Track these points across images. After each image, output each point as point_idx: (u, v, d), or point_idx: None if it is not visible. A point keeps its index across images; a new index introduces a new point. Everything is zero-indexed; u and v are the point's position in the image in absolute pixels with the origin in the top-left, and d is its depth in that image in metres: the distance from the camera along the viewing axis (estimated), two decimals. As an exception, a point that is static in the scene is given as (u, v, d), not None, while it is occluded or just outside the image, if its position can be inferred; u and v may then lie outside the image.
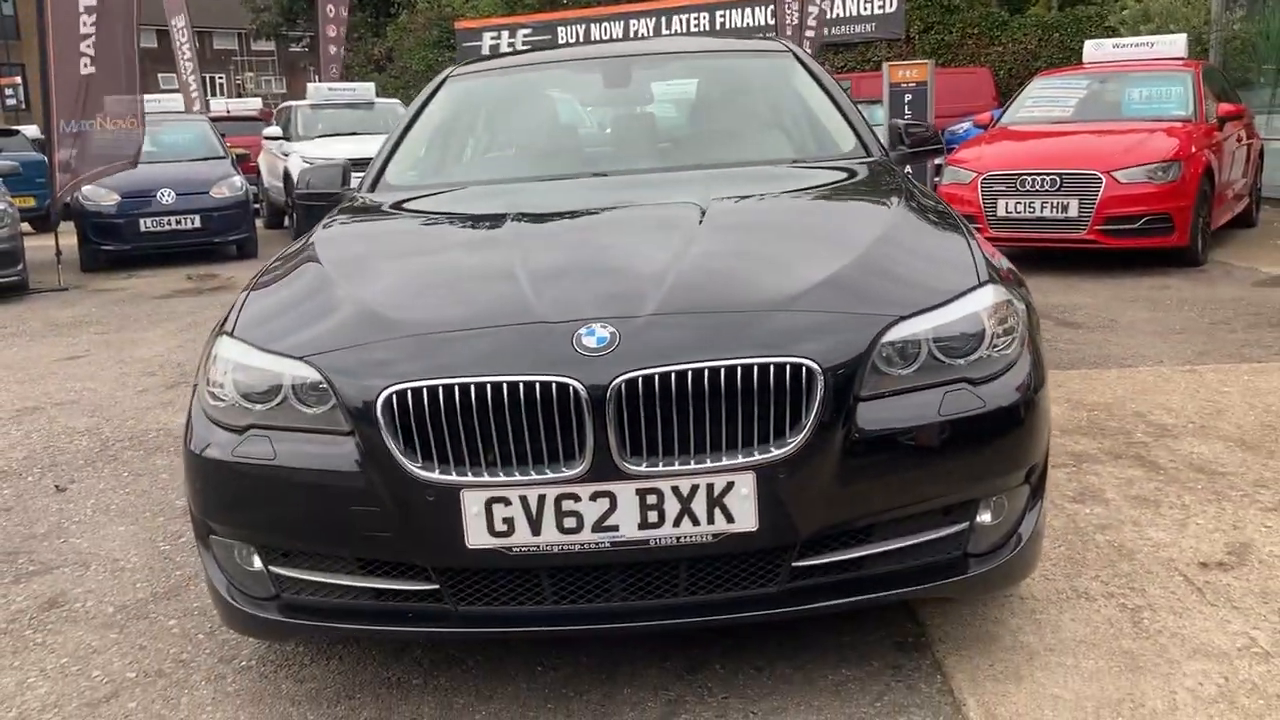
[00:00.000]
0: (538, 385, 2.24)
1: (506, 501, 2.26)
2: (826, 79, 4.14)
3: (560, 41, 26.26)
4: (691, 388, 2.24)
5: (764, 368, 2.26)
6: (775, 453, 2.25)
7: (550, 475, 2.25)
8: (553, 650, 2.76)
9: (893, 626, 2.81)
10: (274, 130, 15.11)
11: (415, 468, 2.27)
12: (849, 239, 2.76)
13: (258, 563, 2.52)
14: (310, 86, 16.07)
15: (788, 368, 2.27)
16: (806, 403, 2.26)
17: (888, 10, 24.77)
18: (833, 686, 2.57)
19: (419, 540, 2.34)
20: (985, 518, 2.47)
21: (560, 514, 2.26)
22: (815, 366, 2.27)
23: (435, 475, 2.27)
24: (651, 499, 2.24)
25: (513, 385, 2.24)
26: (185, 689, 2.76)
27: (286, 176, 13.89)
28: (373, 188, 3.79)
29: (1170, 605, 2.88)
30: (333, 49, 23.73)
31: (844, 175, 3.51)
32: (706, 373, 2.25)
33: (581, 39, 26.23)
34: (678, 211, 3.04)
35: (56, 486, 4.41)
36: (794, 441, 2.25)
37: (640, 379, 2.23)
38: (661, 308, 2.39)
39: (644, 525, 2.26)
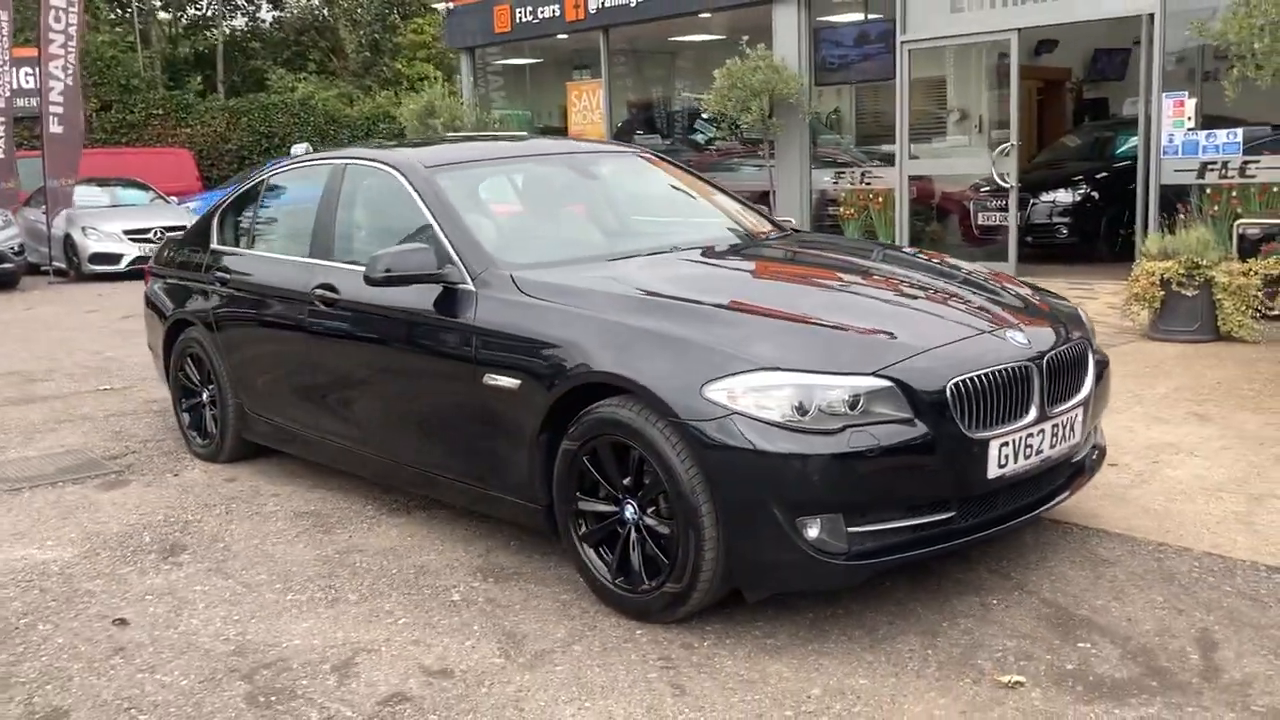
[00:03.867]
0: (1019, 368, 3.52)
1: (1006, 444, 3.47)
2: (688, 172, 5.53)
3: None
4: (1065, 358, 3.73)
5: (1082, 340, 3.86)
6: (1084, 393, 3.84)
7: (1023, 423, 3.53)
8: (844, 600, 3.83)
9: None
10: None
11: (969, 431, 3.38)
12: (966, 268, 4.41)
13: (816, 531, 3.28)
14: None
15: (1085, 340, 3.90)
16: (1091, 359, 3.91)
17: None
18: (1040, 546, 4.15)
19: (959, 480, 3.36)
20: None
21: (1026, 447, 3.55)
22: (1089, 337, 3.94)
23: (979, 434, 3.39)
24: (1056, 429, 3.65)
25: (1010, 369, 3.49)
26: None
27: None
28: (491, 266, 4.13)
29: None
30: None
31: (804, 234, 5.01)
32: (1071, 349, 3.77)
33: None
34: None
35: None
36: (1088, 384, 3.87)
37: (1050, 359, 3.65)
38: (1016, 318, 3.79)
39: (1052, 446, 3.66)
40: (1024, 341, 3.59)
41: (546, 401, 3.70)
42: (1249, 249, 8.61)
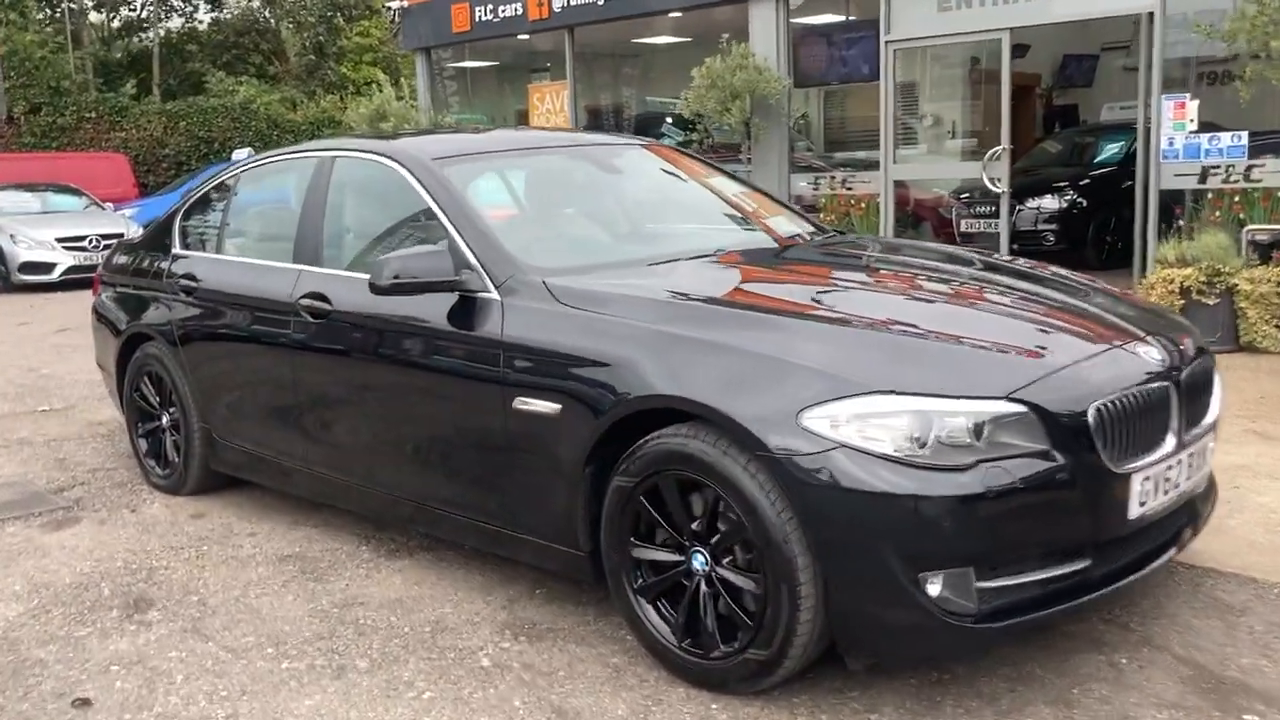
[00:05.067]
0: (1158, 389, 2.97)
1: (1148, 478, 2.94)
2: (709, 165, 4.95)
3: None
4: (1197, 376, 3.21)
5: (1208, 354, 3.34)
6: (1215, 414, 3.32)
7: (1163, 452, 2.98)
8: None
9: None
10: None
11: (1112, 464, 2.83)
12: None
13: (939, 588, 2.72)
14: None
15: (1209, 354, 3.37)
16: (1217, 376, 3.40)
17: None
18: (1149, 590, 3.64)
19: (1099, 522, 2.82)
20: None
21: (1165, 480, 3.01)
22: (1209, 350, 3.42)
23: (1123, 467, 2.84)
24: (1190, 460, 3.13)
25: (1149, 390, 2.95)
26: None
27: None
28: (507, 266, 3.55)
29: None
30: None
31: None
32: (1201, 365, 3.23)
33: None
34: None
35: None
36: (1216, 405, 3.33)
37: (1185, 377, 3.12)
38: (1141, 330, 3.26)
39: (1188, 478, 3.14)
40: (1157, 358, 3.08)
41: (595, 429, 3.12)
42: (1260, 255, 8.24)
